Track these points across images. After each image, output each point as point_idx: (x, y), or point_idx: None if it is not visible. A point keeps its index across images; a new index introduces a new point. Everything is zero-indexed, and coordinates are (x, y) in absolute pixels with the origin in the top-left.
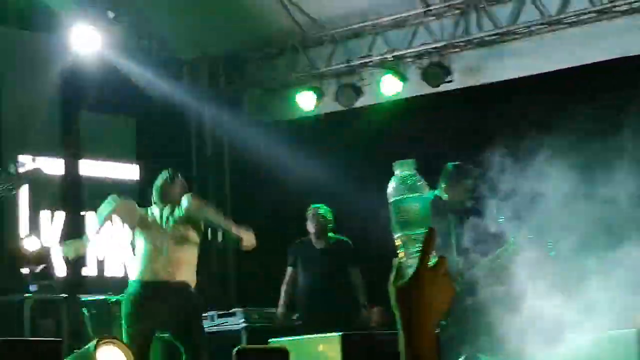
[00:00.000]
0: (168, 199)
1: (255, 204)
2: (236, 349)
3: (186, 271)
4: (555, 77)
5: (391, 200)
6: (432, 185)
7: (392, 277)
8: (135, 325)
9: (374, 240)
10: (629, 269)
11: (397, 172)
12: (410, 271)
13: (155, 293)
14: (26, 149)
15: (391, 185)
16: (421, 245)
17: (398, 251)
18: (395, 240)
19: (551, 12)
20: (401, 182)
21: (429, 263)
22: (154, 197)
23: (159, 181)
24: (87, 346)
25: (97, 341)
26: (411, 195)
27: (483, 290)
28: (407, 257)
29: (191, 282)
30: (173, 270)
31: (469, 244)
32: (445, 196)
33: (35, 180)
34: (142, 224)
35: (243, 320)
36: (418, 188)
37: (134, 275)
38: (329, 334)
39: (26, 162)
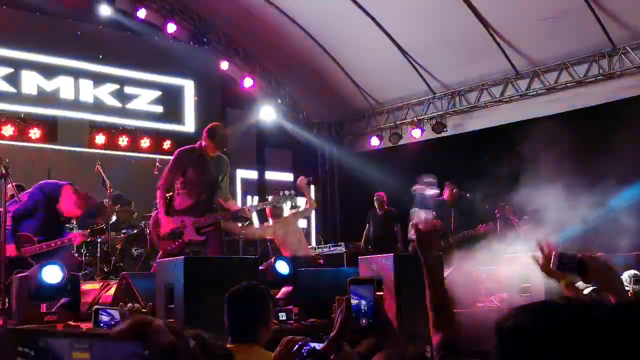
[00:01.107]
0: None
1: (351, 194)
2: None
3: None
4: (501, 129)
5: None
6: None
7: (413, 230)
8: None
9: (406, 211)
10: None
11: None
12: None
13: None
14: (239, 164)
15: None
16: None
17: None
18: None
19: (497, 96)
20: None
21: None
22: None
23: None
24: (269, 260)
25: (275, 258)
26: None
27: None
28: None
29: None
30: None
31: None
32: (443, 196)
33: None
34: None
35: (344, 248)
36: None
37: None
38: (387, 254)
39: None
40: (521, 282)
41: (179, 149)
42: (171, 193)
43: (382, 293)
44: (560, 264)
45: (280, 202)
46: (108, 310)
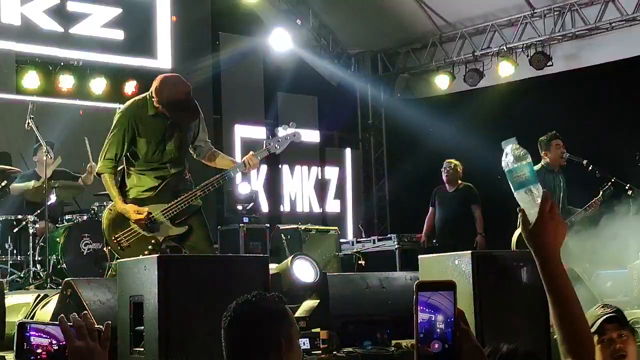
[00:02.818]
0: None
1: (405, 162)
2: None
3: None
4: (632, 62)
5: (507, 169)
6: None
7: (520, 223)
8: None
9: (491, 187)
10: None
11: (506, 148)
12: (532, 217)
13: None
14: (239, 118)
15: (504, 159)
16: (537, 197)
17: (520, 205)
18: (516, 197)
19: (628, 12)
20: (512, 154)
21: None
22: None
23: None
24: (285, 260)
25: (293, 256)
26: (521, 163)
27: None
28: (528, 208)
29: None
30: None
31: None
32: (546, 160)
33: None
34: None
35: (396, 242)
36: (524, 156)
37: None
38: (461, 252)
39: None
40: None
41: (120, 110)
42: (119, 176)
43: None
44: None
45: (280, 144)
46: (44, 329)
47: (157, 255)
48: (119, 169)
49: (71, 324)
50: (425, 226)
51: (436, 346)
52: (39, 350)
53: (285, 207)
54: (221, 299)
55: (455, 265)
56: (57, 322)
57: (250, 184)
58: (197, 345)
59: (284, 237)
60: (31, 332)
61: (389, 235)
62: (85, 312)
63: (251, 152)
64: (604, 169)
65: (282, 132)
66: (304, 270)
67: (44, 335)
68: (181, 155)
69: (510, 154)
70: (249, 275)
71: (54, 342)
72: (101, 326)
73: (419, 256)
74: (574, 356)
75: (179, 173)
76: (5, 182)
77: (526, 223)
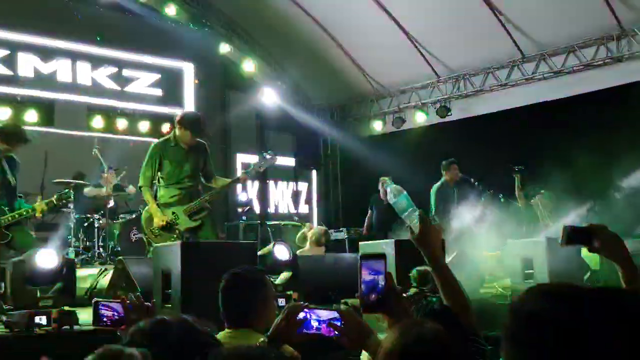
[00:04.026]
0: None
1: (352, 179)
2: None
3: None
4: (508, 113)
5: (392, 202)
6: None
7: (409, 234)
8: None
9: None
10: None
11: (387, 188)
12: (416, 229)
13: None
14: (239, 149)
15: (389, 196)
16: (420, 216)
17: (407, 223)
18: (403, 218)
19: (503, 80)
20: (391, 192)
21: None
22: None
23: None
24: (269, 246)
25: (274, 243)
26: (399, 197)
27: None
28: (413, 224)
29: None
30: None
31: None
32: (445, 178)
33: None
34: None
35: (346, 233)
36: (399, 192)
37: None
38: (388, 240)
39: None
40: (525, 268)
41: (153, 144)
42: (155, 188)
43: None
44: (568, 238)
45: (263, 164)
46: (110, 305)
47: (180, 241)
48: (154, 183)
49: (129, 301)
50: (365, 223)
51: (373, 296)
52: (105, 319)
53: (272, 210)
54: (222, 272)
55: (383, 249)
56: (120, 300)
57: (247, 193)
58: (205, 302)
59: (270, 230)
60: (101, 306)
61: (341, 229)
62: (138, 293)
63: (243, 171)
64: (487, 184)
65: (266, 156)
66: (282, 252)
67: (110, 309)
68: (194, 173)
69: (390, 192)
70: (244, 255)
71: (116, 314)
72: (149, 303)
73: (360, 242)
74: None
75: (194, 186)
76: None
77: (413, 233)
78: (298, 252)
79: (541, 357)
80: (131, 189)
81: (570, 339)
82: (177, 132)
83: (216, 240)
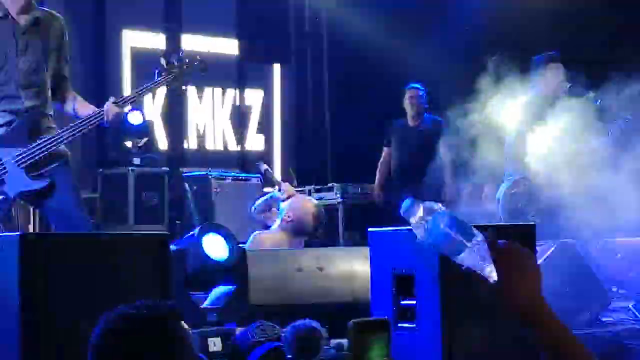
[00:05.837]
0: None
1: (354, 84)
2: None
3: None
4: None
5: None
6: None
7: (487, 279)
8: None
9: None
10: None
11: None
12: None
13: None
14: (129, 23)
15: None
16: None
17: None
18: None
19: None
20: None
21: None
22: None
23: None
24: (191, 232)
25: (200, 229)
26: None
27: None
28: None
29: None
30: None
31: None
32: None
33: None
34: None
35: (340, 195)
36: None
37: None
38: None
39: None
40: None
41: None
42: None
43: None
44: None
45: (176, 78)
46: None
47: (17, 234)
48: None
49: None
50: (378, 174)
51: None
52: None
53: (191, 144)
54: (100, 307)
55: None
56: None
57: (142, 113)
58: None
59: (188, 187)
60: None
61: (330, 185)
62: None
63: (112, 98)
64: None
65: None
66: (215, 246)
67: None
68: (39, 81)
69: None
70: (143, 263)
71: None
72: None
73: (369, 230)
74: None
75: (39, 105)
76: None
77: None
78: (254, 237)
79: None
80: None
81: None
82: None
83: (83, 224)
